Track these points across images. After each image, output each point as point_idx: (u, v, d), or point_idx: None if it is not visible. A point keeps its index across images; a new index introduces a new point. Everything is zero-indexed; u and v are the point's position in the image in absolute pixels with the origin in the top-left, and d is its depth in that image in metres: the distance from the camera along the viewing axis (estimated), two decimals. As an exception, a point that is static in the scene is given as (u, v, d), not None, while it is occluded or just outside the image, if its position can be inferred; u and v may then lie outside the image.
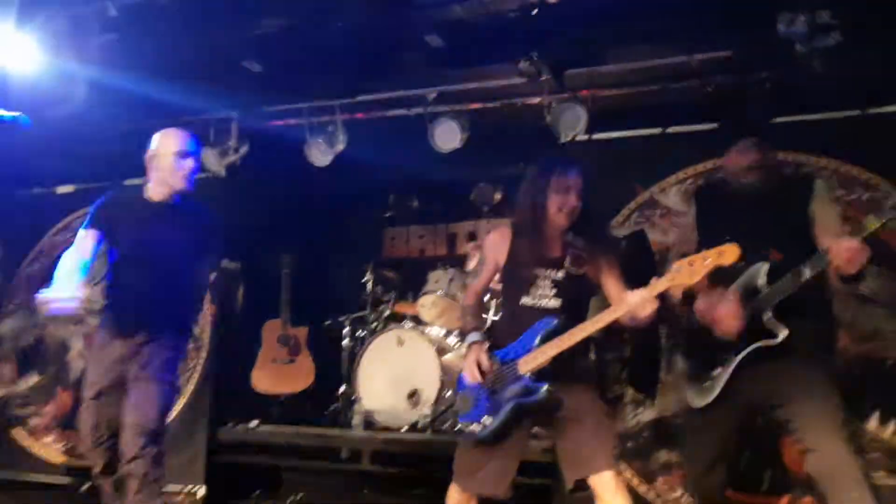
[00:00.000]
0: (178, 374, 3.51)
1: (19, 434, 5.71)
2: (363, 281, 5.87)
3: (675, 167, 4.31)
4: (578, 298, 2.97)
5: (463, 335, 3.17)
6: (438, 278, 5.51)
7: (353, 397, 5.32)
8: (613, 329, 4.10)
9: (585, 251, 2.95)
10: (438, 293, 5.39)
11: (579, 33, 4.14)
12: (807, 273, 2.64)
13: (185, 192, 3.49)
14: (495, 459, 2.96)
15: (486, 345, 3.02)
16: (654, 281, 2.65)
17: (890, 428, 3.62)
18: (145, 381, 3.31)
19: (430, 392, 4.99)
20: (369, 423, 5.15)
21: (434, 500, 4.65)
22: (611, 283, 2.97)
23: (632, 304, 2.68)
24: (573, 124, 4.55)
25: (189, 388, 5.28)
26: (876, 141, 3.88)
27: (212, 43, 4.42)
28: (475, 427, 2.96)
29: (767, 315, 2.70)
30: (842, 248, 2.53)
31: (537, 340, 2.87)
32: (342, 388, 5.57)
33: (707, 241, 2.91)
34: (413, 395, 5.04)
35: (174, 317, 3.48)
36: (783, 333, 2.65)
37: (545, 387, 2.82)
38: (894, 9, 3.54)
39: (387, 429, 5.08)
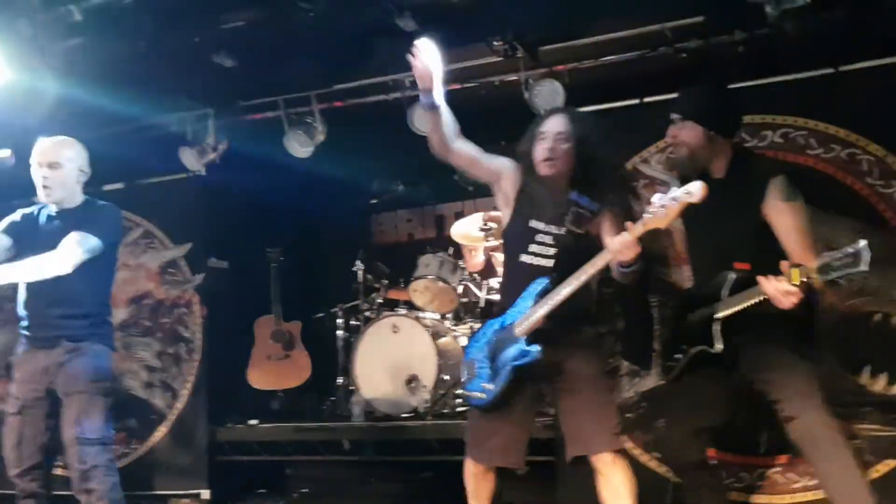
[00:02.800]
0: (109, 376, 3.40)
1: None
2: (353, 270, 5.85)
3: (656, 136, 4.29)
4: (577, 259, 2.83)
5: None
6: (429, 262, 5.51)
7: (351, 388, 5.33)
8: (605, 302, 4.16)
9: (589, 209, 2.88)
10: (430, 277, 5.39)
11: (552, 8, 4.12)
12: (749, 301, 2.66)
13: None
14: (502, 428, 2.97)
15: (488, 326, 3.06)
16: (631, 226, 2.60)
17: (881, 381, 3.66)
18: (78, 394, 3.21)
19: (428, 377, 5.00)
20: (369, 413, 5.16)
21: (440, 484, 4.71)
22: (607, 236, 2.86)
23: (612, 249, 2.64)
24: (551, 100, 4.54)
25: (185, 391, 5.27)
26: (850, 98, 3.90)
27: (181, 40, 4.37)
28: (477, 394, 2.98)
29: (714, 324, 2.76)
30: (770, 291, 2.54)
31: (531, 301, 2.86)
32: (340, 380, 5.57)
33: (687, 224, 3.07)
34: (412, 382, 5.05)
35: (89, 321, 3.35)
36: (719, 347, 2.74)
37: (538, 348, 2.80)
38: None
39: (388, 417, 5.09)
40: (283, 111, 5.20)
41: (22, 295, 3.40)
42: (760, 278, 2.58)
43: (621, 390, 4.16)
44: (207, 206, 5.49)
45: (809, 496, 3.69)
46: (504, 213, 3.12)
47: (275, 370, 5.62)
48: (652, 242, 4.16)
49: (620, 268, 2.72)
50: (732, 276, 2.77)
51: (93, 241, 3.26)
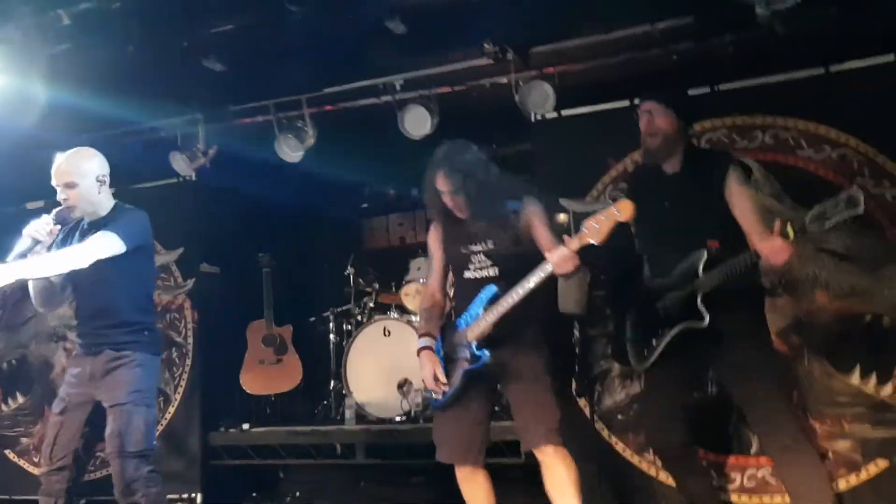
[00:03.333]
0: (152, 385, 3.44)
1: (11, 455, 5.66)
2: (345, 274, 5.84)
3: (646, 138, 4.31)
4: (517, 264, 3.06)
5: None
6: (420, 265, 5.51)
7: (343, 392, 5.31)
8: (596, 305, 4.16)
9: (502, 224, 3.14)
10: (421, 280, 5.38)
11: (542, 10, 4.12)
12: (735, 268, 2.87)
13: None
14: (459, 428, 3.16)
15: (435, 352, 3.19)
16: (568, 239, 2.86)
17: (871, 381, 3.66)
18: (119, 406, 3.22)
19: (420, 380, 4.96)
20: (361, 417, 5.15)
21: (432, 488, 4.70)
22: (540, 237, 3.12)
23: (553, 262, 2.87)
24: (542, 102, 4.54)
25: (178, 396, 5.25)
26: (841, 98, 3.90)
27: (170, 45, 4.35)
28: (435, 395, 3.15)
29: (698, 300, 2.93)
30: (768, 248, 2.76)
31: (481, 308, 3.06)
32: (332, 384, 5.56)
33: (640, 220, 3.13)
34: (403, 385, 5.04)
35: (132, 330, 3.35)
36: (706, 319, 2.90)
37: (487, 353, 3.02)
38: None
39: (380, 420, 5.08)
40: (274, 115, 5.18)
41: (75, 304, 3.48)
42: (756, 237, 2.83)
43: (613, 393, 4.15)
44: (198, 211, 5.47)
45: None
46: (436, 264, 3.39)
47: (267, 374, 5.60)
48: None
49: (562, 276, 2.96)
50: (704, 253, 2.94)
51: (112, 239, 3.20)
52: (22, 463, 5.62)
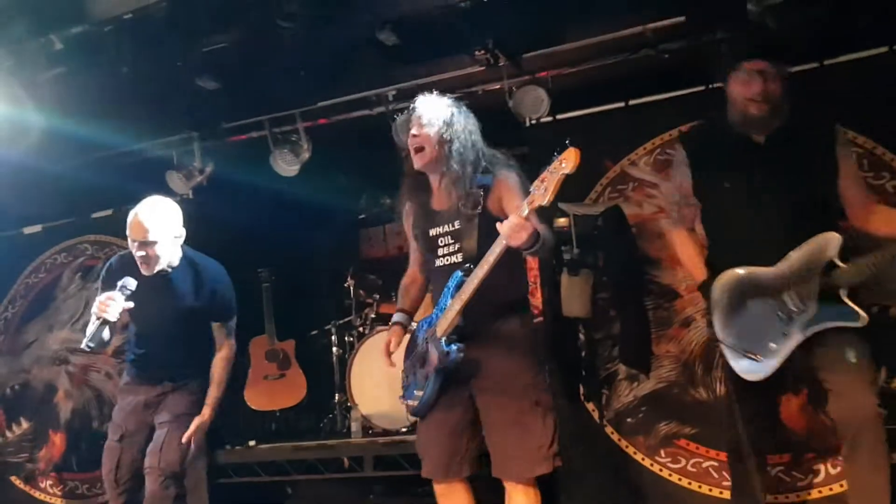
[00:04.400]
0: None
1: (17, 481, 5.63)
2: (345, 286, 5.82)
3: (643, 139, 4.31)
4: (486, 240, 2.63)
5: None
6: (420, 275, 5.48)
7: (348, 404, 5.29)
8: (601, 307, 4.15)
9: (472, 188, 2.75)
10: (422, 290, 5.36)
11: (532, 15, 4.12)
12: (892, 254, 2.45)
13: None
14: (441, 438, 2.80)
15: (402, 327, 2.98)
16: (517, 206, 2.50)
17: (881, 374, 3.60)
18: (167, 425, 3.41)
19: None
20: (367, 429, 5.12)
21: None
22: (511, 211, 2.59)
23: (503, 233, 2.47)
24: (536, 107, 4.54)
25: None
26: (837, 91, 3.89)
27: (163, 65, 4.35)
28: (412, 403, 2.83)
29: (843, 295, 2.51)
30: None
31: (449, 298, 2.70)
32: (336, 397, 5.53)
33: (710, 202, 2.85)
34: (409, 395, 5.01)
35: (193, 365, 3.56)
36: (863, 318, 2.48)
37: (455, 348, 2.63)
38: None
39: (386, 432, 5.05)
40: (269, 131, 5.18)
41: (133, 333, 3.60)
42: (873, 211, 2.49)
43: (619, 395, 4.14)
44: (196, 230, 5.43)
45: (814, 494, 3.66)
46: (412, 247, 3.12)
47: (271, 390, 5.58)
48: (645, 245, 4.19)
49: (522, 249, 2.53)
50: (837, 238, 2.49)
51: (231, 325, 3.59)
52: (28, 489, 5.59)
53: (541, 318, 4.30)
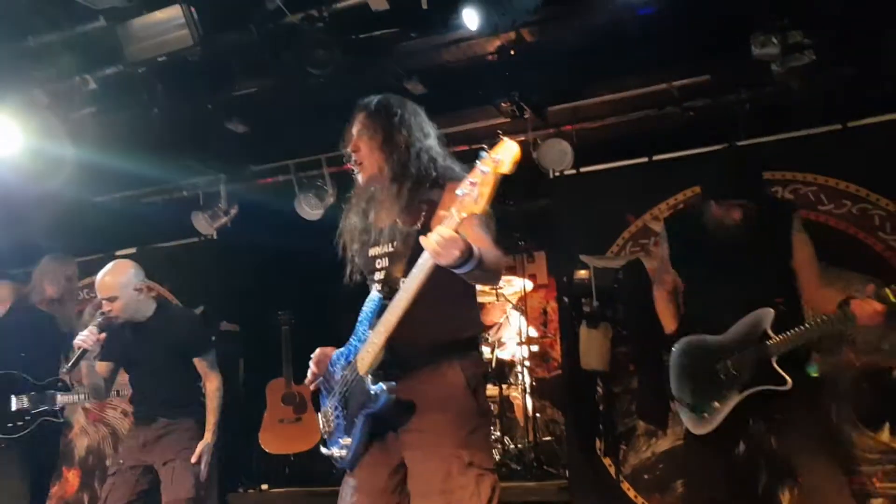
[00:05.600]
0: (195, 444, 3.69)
1: (28, 517, 5.60)
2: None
3: (665, 194, 4.33)
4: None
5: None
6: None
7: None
8: (619, 361, 4.11)
9: (413, 201, 2.27)
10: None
11: (558, 70, 4.17)
12: (827, 329, 2.75)
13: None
14: (370, 497, 2.27)
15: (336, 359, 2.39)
16: (444, 215, 1.97)
17: (902, 438, 3.59)
18: (171, 462, 3.56)
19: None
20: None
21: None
22: (463, 230, 2.01)
23: (428, 249, 1.96)
24: (560, 160, 4.58)
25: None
26: (860, 153, 3.91)
27: (194, 108, 4.44)
28: (340, 453, 2.30)
29: (774, 362, 2.77)
30: (868, 312, 2.67)
31: (367, 326, 2.22)
32: (350, 443, 5.48)
33: (684, 275, 3.13)
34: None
35: (182, 402, 3.72)
36: (789, 382, 2.73)
37: (384, 387, 2.12)
38: (863, 24, 3.60)
39: (398, 480, 4.97)
40: (294, 175, 5.25)
41: (128, 379, 3.83)
42: (858, 302, 2.68)
43: (637, 451, 4.07)
44: (219, 270, 5.50)
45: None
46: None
47: (286, 433, 5.54)
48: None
49: (453, 270, 2.01)
50: (771, 312, 2.79)
51: (211, 358, 3.80)
52: (38, 525, 5.55)
53: (559, 371, 4.26)
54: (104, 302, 3.61)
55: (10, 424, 4.07)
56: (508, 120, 4.60)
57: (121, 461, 3.65)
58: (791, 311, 2.83)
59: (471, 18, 3.57)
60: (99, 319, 3.57)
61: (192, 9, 3.51)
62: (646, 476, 4.04)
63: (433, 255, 1.97)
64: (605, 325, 4.01)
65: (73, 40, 3.86)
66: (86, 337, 3.45)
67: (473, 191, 1.88)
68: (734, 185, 2.94)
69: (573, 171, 4.58)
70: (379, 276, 2.31)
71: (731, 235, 2.92)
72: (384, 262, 2.32)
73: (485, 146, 1.90)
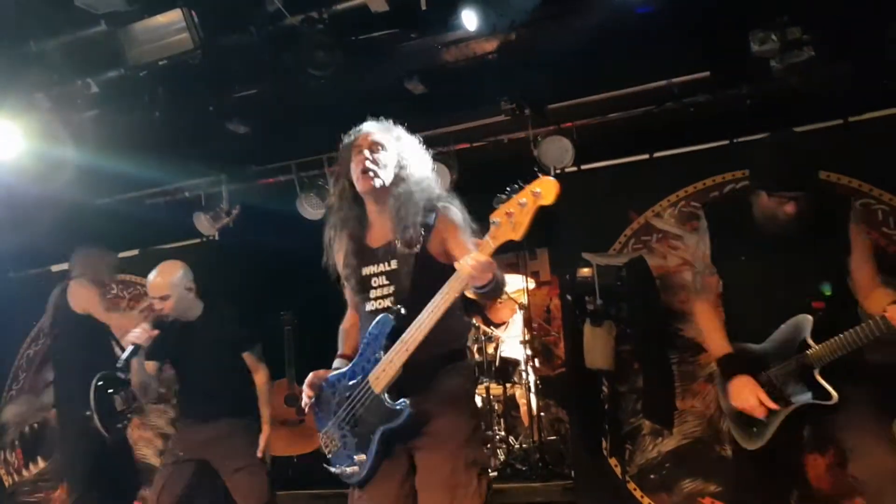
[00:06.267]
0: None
1: (30, 522, 5.62)
2: (366, 332, 5.81)
3: (667, 191, 4.33)
4: (424, 284, 2.32)
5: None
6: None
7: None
8: (624, 359, 4.11)
9: (412, 220, 2.41)
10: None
11: (558, 68, 4.17)
12: (866, 339, 2.49)
13: None
14: None
15: (329, 381, 2.53)
16: (480, 242, 2.19)
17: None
18: (242, 469, 3.70)
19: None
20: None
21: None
22: (456, 250, 2.36)
23: (465, 273, 2.14)
24: (560, 157, 4.58)
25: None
26: (861, 149, 3.90)
27: (195, 110, 4.45)
28: (352, 469, 2.42)
29: (817, 375, 2.55)
30: None
31: (380, 348, 2.36)
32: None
33: (726, 273, 2.83)
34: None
35: (237, 400, 3.82)
36: (835, 397, 2.51)
37: (407, 403, 2.30)
38: (862, 20, 3.60)
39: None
40: (296, 175, 5.26)
41: (180, 380, 3.96)
42: (879, 294, 2.48)
43: (644, 450, 4.07)
44: (221, 271, 5.50)
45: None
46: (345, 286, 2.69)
47: (289, 436, 5.54)
48: (669, 297, 4.17)
49: (476, 289, 2.22)
50: (810, 319, 2.55)
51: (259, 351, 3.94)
52: (41, 530, 5.58)
53: (563, 369, 4.26)
54: (156, 301, 3.73)
55: (118, 425, 4.18)
56: (508, 118, 4.59)
57: (180, 453, 3.75)
58: (835, 316, 2.57)
59: (469, 19, 3.57)
60: (152, 318, 3.68)
61: (193, 12, 3.51)
62: (652, 476, 4.04)
63: (468, 278, 2.15)
64: (608, 323, 4.01)
65: (75, 45, 3.86)
66: (139, 334, 3.53)
67: (511, 220, 2.07)
68: (788, 175, 2.59)
69: (574, 169, 4.58)
70: (376, 294, 2.46)
71: (783, 231, 2.63)
72: (382, 280, 2.45)
73: (518, 181, 2.11)
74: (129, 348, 3.52)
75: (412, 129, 4.84)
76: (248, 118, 4.62)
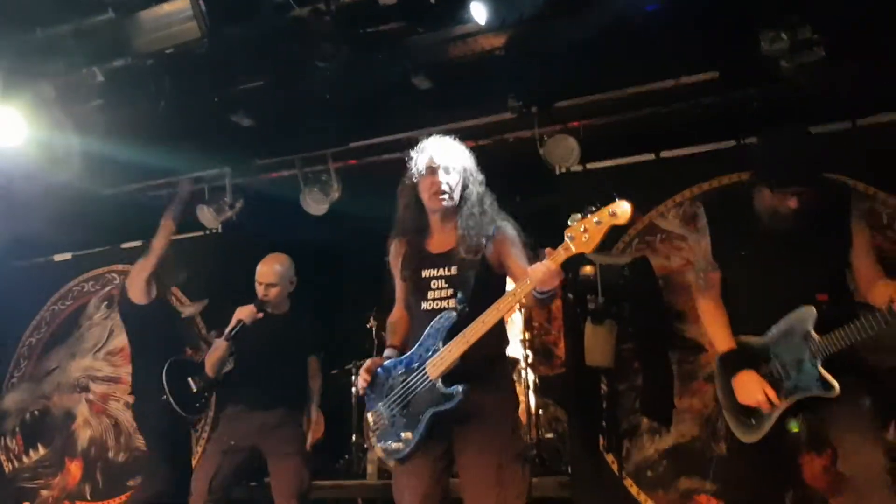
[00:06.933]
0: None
1: (30, 507, 5.64)
2: (367, 327, 5.82)
3: (672, 191, 4.32)
4: (482, 289, 2.67)
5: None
6: (443, 318, 5.45)
7: (365, 446, 5.24)
8: (624, 358, 4.11)
9: (478, 234, 2.73)
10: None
11: (565, 66, 4.16)
12: (870, 331, 2.48)
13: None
14: (419, 483, 2.70)
15: (385, 369, 2.81)
16: (552, 252, 2.42)
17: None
18: (292, 456, 3.85)
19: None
20: (384, 472, 5.06)
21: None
22: (512, 262, 2.71)
23: (536, 278, 2.41)
24: (566, 156, 4.56)
25: (199, 449, 5.21)
26: (869, 151, 3.88)
27: (200, 101, 4.44)
28: (397, 445, 2.70)
29: (819, 367, 2.55)
30: None
31: (440, 341, 2.63)
32: (353, 438, 5.49)
33: (727, 268, 2.82)
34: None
35: (296, 394, 4.02)
36: (836, 388, 2.51)
37: (460, 389, 2.56)
38: (873, 21, 3.57)
39: (401, 476, 4.98)
40: (300, 169, 5.25)
41: (247, 366, 4.05)
42: (880, 285, 2.47)
43: (642, 448, 4.07)
44: (224, 264, 5.50)
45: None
46: (398, 286, 3.01)
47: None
48: (672, 297, 4.16)
49: (539, 295, 2.48)
50: (814, 311, 2.56)
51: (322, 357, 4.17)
52: (40, 517, 5.59)
53: (562, 369, 4.26)
54: (263, 287, 3.93)
55: (196, 404, 4.35)
56: (515, 116, 4.58)
57: (231, 441, 3.85)
58: (837, 308, 2.58)
59: (479, 12, 3.56)
60: (259, 303, 3.89)
61: (200, 1, 3.51)
62: (649, 473, 4.03)
63: (538, 283, 2.41)
64: (610, 322, 4.00)
65: (81, 33, 3.85)
66: (248, 313, 3.79)
67: (585, 235, 2.37)
68: (793, 170, 2.60)
69: (580, 168, 4.57)
70: (434, 294, 2.75)
71: (785, 225, 2.65)
72: (441, 283, 2.75)
73: (596, 202, 2.40)
74: (238, 325, 3.77)
75: (417, 125, 4.90)
76: (253, 111, 4.61)
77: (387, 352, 2.90)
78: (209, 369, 3.99)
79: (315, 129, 4.94)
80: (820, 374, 2.54)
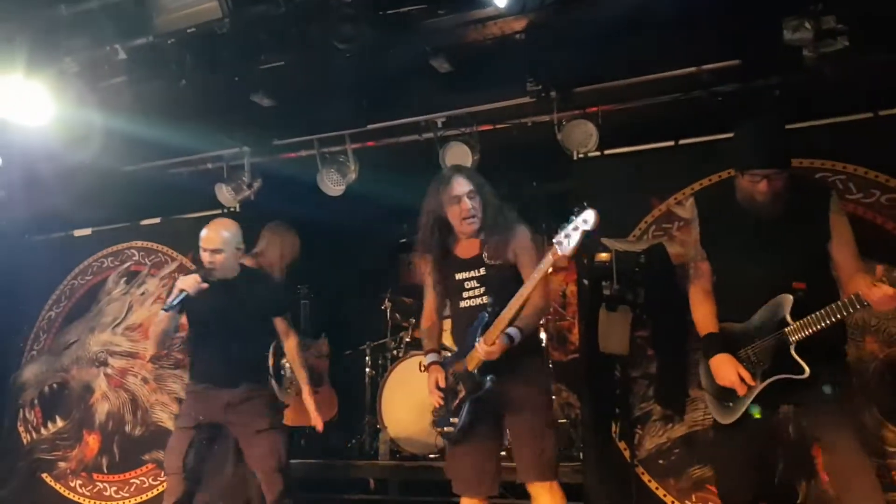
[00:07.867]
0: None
1: (48, 479, 5.72)
2: (382, 308, 5.85)
3: (690, 178, 4.29)
4: (506, 287, 3.04)
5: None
6: (457, 302, 5.47)
7: (377, 426, 5.29)
8: (638, 345, 4.11)
9: (500, 242, 3.17)
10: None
11: (585, 51, 4.13)
12: (839, 315, 2.62)
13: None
14: (470, 460, 3.17)
15: (442, 366, 3.24)
16: (557, 255, 2.76)
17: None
18: (265, 431, 3.80)
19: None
20: (395, 452, 5.11)
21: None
22: (523, 270, 3.10)
23: (548, 262, 2.80)
24: (584, 141, 4.55)
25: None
26: (889, 142, 3.84)
27: (221, 80, 4.45)
28: (448, 429, 3.15)
29: (792, 350, 2.69)
30: (877, 296, 2.52)
31: (477, 337, 3.01)
32: (366, 418, 5.53)
33: (714, 257, 2.98)
34: (438, 421, 4.99)
35: (260, 366, 3.98)
36: (807, 371, 2.66)
37: (489, 378, 2.99)
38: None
39: (413, 457, 5.03)
40: (318, 150, 5.27)
41: (204, 340, 3.92)
42: (864, 283, 2.54)
43: (654, 435, 4.08)
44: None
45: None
46: (429, 295, 3.42)
47: (303, 406, 5.57)
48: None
49: (507, 340, 2.95)
50: (790, 298, 2.71)
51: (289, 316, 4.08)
52: (58, 487, 5.67)
53: (576, 354, 4.27)
54: (207, 253, 3.76)
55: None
56: (534, 100, 4.56)
57: (200, 417, 3.76)
58: (815, 297, 2.68)
59: (500, -6, 3.54)
60: (203, 271, 3.73)
61: (222, -20, 3.52)
62: (661, 461, 4.04)
63: (551, 265, 2.80)
64: (625, 309, 4.01)
65: (105, 9, 3.88)
66: (191, 282, 3.62)
67: (566, 242, 2.71)
68: (759, 154, 2.77)
69: (597, 154, 4.56)
70: (469, 294, 3.21)
71: (761, 211, 2.80)
72: (474, 284, 3.20)
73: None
74: (180, 294, 3.59)
75: (436, 108, 4.89)
76: (272, 91, 4.63)
77: (431, 356, 3.31)
78: (151, 344, 3.89)
79: (334, 110, 4.95)
80: (792, 356, 2.67)
